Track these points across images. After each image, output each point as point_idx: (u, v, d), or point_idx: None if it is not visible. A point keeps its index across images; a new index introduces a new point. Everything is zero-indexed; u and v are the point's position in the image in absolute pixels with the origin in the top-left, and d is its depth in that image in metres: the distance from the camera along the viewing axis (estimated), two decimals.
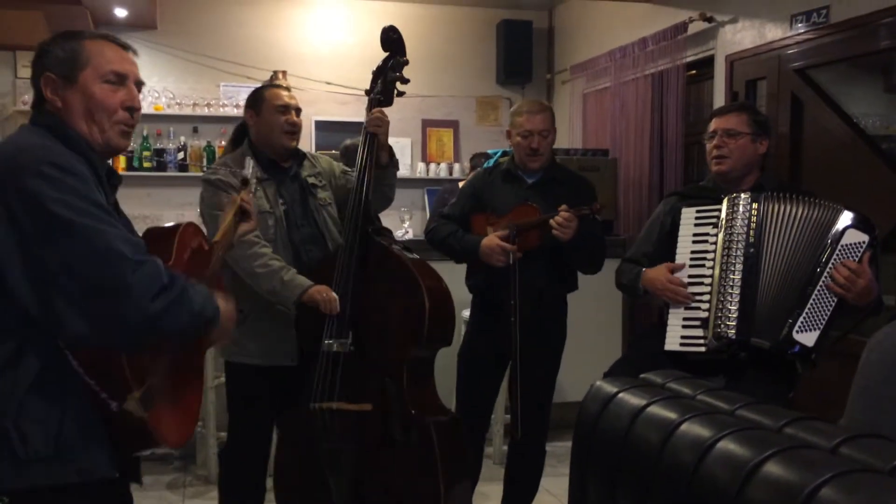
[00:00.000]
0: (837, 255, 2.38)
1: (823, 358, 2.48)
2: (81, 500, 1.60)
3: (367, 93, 2.85)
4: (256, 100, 2.82)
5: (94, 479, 1.58)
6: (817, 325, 2.37)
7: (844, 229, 2.40)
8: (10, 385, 1.52)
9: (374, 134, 2.78)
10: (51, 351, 1.54)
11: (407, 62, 2.84)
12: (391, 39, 2.82)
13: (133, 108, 1.70)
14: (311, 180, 2.86)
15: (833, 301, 2.37)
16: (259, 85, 3.04)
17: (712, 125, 2.71)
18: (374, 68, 2.86)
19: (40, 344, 1.54)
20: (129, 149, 5.82)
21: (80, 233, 1.48)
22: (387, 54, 2.84)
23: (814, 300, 2.38)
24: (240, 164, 2.67)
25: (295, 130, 2.81)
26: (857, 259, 2.37)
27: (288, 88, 2.88)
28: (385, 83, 2.81)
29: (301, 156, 2.89)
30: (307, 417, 2.65)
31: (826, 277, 2.37)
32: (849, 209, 2.43)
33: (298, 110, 2.84)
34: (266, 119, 2.78)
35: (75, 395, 1.56)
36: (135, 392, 1.56)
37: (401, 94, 2.84)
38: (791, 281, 2.42)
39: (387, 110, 2.82)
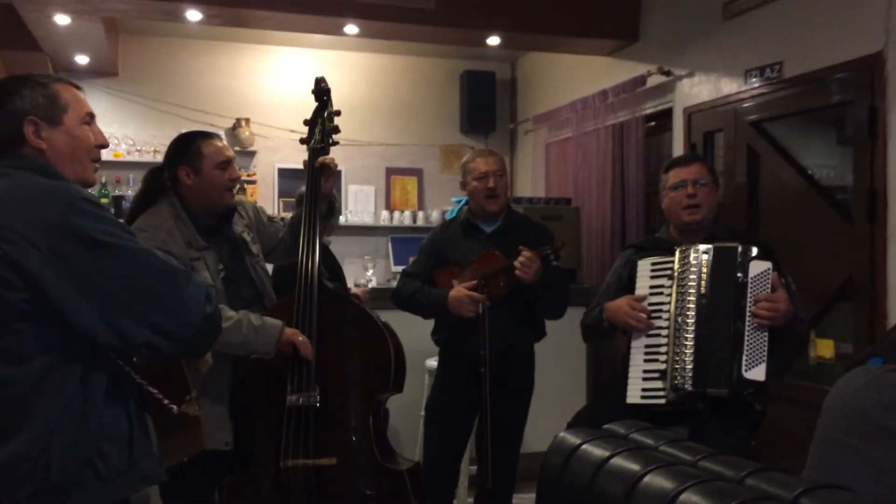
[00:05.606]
0: (751, 287, 2.45)
1: (782, 407, 2.50)
2: None
3: (306, 142, 2.73)
4: (192, 155, 2.49)
5: (152, 483, 1.68)
6: (760, 358, 2.42)
7: (748, 262, 2.48)
8: (84, 412, 1.56)
9: (325, 178, 2.66)
10: (113, 371, 1.61)
11: (338, 112, 2.75)
12: (324, 90, 2.74)
13: (103, 146, 1.78)
14: (244, 235, 2.65)
15: (765, 331, 2.43)
16: (195, 132, 2.67)
17: (678, 175, 2.74)
18: (309, 118, 2.76)
19: (102, 367, 1.59)
20: None
21: (130, 255, 1.57)
22: (318, 104, 2.75)
23: (748, 335, 2.43)
24: (169, 230, 2.42)
25: (235, 186, 2.59)
26: (767, 284, 2.45)
27: (220, 137, 2.63)
28: (324, 132, 2.70)
29: (232, 209, 2.62)
30: (272, 478, 2.51)
31: (750, 311, 2.43)
32: (744, 243, 2.53)
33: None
34: (208, 178, 2.48)
35: (135, 407, 1.66)
36: (192, 393, 1.74)
37: (335, 143, 2.74)
38: (726, 324, 2.46)
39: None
